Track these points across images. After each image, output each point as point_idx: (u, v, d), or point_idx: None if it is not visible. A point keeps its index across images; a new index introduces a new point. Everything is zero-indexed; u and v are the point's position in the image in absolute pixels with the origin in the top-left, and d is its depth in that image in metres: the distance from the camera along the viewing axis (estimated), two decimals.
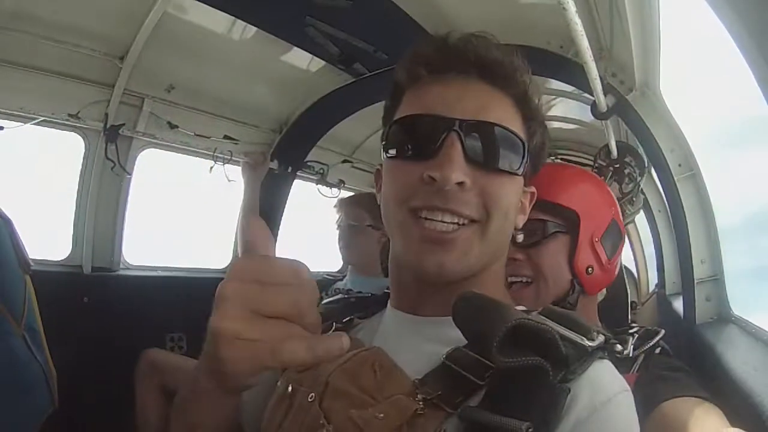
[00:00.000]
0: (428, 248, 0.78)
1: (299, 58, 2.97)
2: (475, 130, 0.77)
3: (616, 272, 1.46)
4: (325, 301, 1.19)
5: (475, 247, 0.79)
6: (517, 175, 0.81)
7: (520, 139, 0.80)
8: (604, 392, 0.66)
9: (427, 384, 0.71)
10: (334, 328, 0.92)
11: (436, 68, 0.83)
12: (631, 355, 1.17)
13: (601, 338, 0.71)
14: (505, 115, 0.81)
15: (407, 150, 0.81)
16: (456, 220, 0.77)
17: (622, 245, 1.45)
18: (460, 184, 0.75)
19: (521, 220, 0.89)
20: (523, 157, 0.81)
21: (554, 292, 1.35)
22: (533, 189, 0.92)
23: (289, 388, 0.83)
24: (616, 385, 0.69)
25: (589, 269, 1.36)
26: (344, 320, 0.96)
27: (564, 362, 0.65)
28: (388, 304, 0.93)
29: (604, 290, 1.53)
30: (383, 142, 0.85)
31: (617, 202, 1.51)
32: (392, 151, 0.83)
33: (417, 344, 0.80)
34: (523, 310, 0.76)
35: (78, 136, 2.80)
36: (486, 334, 0.63)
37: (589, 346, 0.68)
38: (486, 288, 0.79)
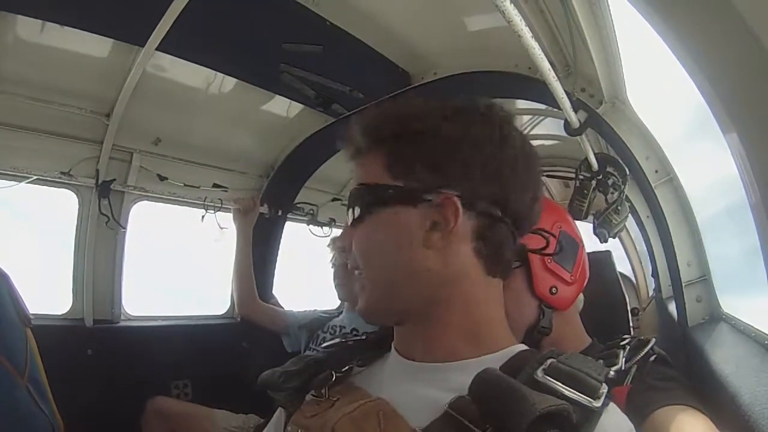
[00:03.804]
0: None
1: (279, 103, 3.08)
2: (349, 201, 0.90)
3: (587, 276, 1.46)
4: (324, 345, 1.20)
5: (367, 290, 0.87)
6: (377, 213, 0.84)
7: (372, 185, 0.85)
8: None
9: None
10: (334, 378, 0.93)
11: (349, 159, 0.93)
12: (623, 368, 1.19)
13: (605, 389, 0.71)
14: (365, 172, 0.88)
15: None
16: (356, 272, 0.89)
17: (582, 250, 1.45)
18: (343, 248, 0.91)
19: (439, 237, 0.81)
20: (376, 197, 0.84)
21: (523, 325, 1.35)
22: (445, 192, 0.81)
23: None
24: (622, 429, 0.72)
25: (553, 289, 1.36)
26: (343, 369, 0.96)
27: (574, 429, 0.66)
28: (393, 347, 0.94)
29: (582, 298, 1.54)
30: None
31: (561, 210, 1.52)
32: None
33: (419, 393, 0.80)
34: (523, 360, 0.79)
35: (71, 192, 2.86)
36: (506, 415, 0.65)
37: (596, 407, 0.68)
38: (455, 328, 0.84)
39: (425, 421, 0.74)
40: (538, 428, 0.63)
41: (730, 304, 1.87)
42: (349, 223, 0.88)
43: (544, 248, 0.95)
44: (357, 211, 0.86)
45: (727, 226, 1.91)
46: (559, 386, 0.70)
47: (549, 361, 0.74)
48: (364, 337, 1.13)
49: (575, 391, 0.69)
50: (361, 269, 0.87)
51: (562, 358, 0.75)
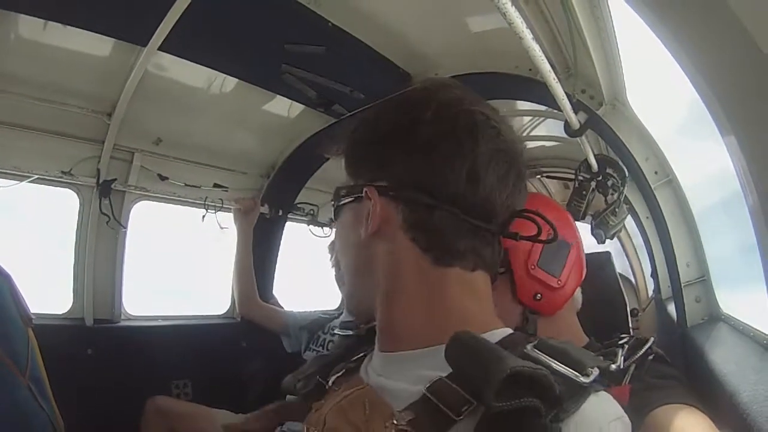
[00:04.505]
0: None
1: (280, 104, 3.09)
2: None
3: (581, 278, 1.45)
4: (337, 332, 1.21)
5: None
6: (339, 215, 0.90)
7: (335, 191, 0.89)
8: (596, 425, 0.65)
9: (405, 413, 0.71)
10: (344, 371, 0.94)
11: None
12: (621, 366, 1.19)
13: (596, 372, 0.67)
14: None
15: None
16: None
17: (573, 252, 1.41)
18: None
19: (370, 224, 0.80)
20: (338, 197, 0.88)
21: None
22: (363, 185, 0.82)
23: (305, 430, 0.86)
24: (610, 414, 0.67)
25: (537, 296, 1.35)
26: (353, 359, 0.96)
27: (557, 401, 0.62)
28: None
29: (580, 299, 1.54)
30: None
31: (555, 209, 1.50)
32: None
33: (398, 381, 0.79)
34: (513, 341, 0.75)
35: (72, 192, 2.87)
36: (480, 378, 0.63)
37: (583, 382, 0.65)
38: (401, 320, 0.82)
39: (401, 404, 0.72)
40: (516, 393, 0.60)
41: (729, 304, 1.88)
42: None
43: (537, 234, 0.84)
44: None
45: (726, 227, 1.92)
46: (547, 359, 0.67)
47: (541, 339, 0.73)
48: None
49: (562, 365, 0.67)
50: None
51: (555, 340, 0.73)
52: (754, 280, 1.12)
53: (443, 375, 0.70)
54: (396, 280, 0.81)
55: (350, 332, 1.16)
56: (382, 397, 0.77)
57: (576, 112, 2.09)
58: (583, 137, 2.31)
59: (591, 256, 1.55)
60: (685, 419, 1.06)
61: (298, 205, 3.83)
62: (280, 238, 3.80)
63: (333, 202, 0.90)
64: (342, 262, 0.90)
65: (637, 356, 1.25)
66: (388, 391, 0.77)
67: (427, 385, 0.70)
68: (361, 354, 0.97)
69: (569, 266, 1.40)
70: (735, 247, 1.85)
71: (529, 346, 0.70)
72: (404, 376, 0.77)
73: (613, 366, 0.78)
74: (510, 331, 0.81)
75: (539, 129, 3.68)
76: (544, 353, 0.68)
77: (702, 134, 1.51)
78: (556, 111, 2.32)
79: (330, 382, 0.92)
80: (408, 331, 0.80)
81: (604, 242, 3.04)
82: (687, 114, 1.77)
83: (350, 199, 0.85)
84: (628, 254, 5.39)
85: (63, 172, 2.73)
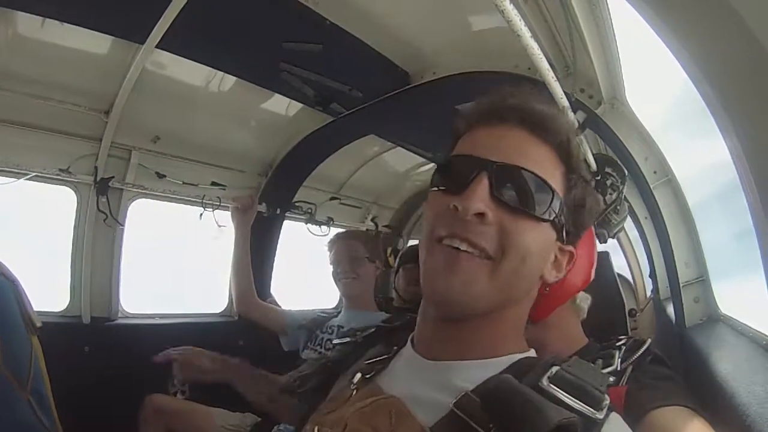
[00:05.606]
0: (440, 271, 0.81)
1: (278, 102, 3.10)
2: (506, 172, 0.81)
3: (580, 285, 1.44)
4: (335, 341, 1.22)
5: (483, 281, 0.80)
6: (543, 221, 0.82)
7: (551, 189, 0.82)
8: None
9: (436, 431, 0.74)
10: (355, 380, 0.93)
11: (486, 118, 0.89)
12: (618, 368, 1.19)
13: (608, 399, 0.72)
14: (541, 162, 0.84)
15: (445, 184, 0.86)
16: (470, 249, 0.80)
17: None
18: (480, 215, 0.79)
19: (554, 276, 0.89)
20: (551, 206, 0.82)
21: None
22: (572, 248, 0.90)
23: (316, 430, 0.86)
24: None
25: None
26: (367, 375, 0.94)
27: None
28: (409, 341, 0.94)
29: (588, 300, 1.53)
30: (432, 179, 0.90)
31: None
32: (434, 186, 0.88)
33: (429, 391, 0.80)
34: (528, 367, 0.79)
35: (70, 189, 2.86)
36: (519, 422, 0.66)
37: (598, 419, 0.69)
38: (497, 331, 0.85)
39: (431, 418, 0.75)
40: None
41: (728, 304, 1.88)
42: (509, 202, 0.81)
43: None
44: (525, 197, 0.81)
45: (725, 226, 1.91)
46: (564, 396, 0.71)
47: (554, 369, 0.75)
48: (373, 330, 1.16)
49: (580, 402, 0.70)
50: (493, 253, 0.80)
51: (565, 366, 0.76)
52: (753, 280, 1.12)
53: (470, 389, 0.75)
54: (524, 307, 0.91)
55: (348, 339, 1.16)
56: (409, 409, 0.79)
57: (575, 112, 2.08)
58: (582, 136, 2.30)
59: None
60: (682, 421, 1.05)
61: (296, 204, 3.82)
62: (278, 237, 3.80)
63: (544, 195, 0.82)
64: (525, 261, 0.81)
65: (634, 358, 1.25)
66: (420, 400, 0.80)
67: (455, 400, 0.74)
68: (372, 360, 0.98)
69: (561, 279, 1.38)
70: (734, 247, 1.85)
71: (545, 381, 0.73)
72: (441, 384, 0.80)
73: (612, 379, 0.79)
74: (523, 355, 0.87)
75: None
76: (561, 390, 0.72)
77: (701, 134, 1.51)
78: None
79: (354, 381, 0.92)
80: (482, 344, 0.84)
81: (606, 242, 3.03)
82: (686, 113, 1.77)
83: (555, 223, 0.85)
84: (626, 254, 5.37)
85: (61, 170, 2.72)
